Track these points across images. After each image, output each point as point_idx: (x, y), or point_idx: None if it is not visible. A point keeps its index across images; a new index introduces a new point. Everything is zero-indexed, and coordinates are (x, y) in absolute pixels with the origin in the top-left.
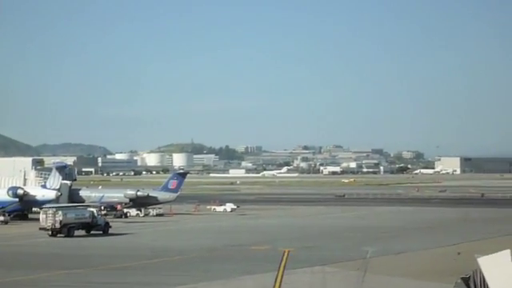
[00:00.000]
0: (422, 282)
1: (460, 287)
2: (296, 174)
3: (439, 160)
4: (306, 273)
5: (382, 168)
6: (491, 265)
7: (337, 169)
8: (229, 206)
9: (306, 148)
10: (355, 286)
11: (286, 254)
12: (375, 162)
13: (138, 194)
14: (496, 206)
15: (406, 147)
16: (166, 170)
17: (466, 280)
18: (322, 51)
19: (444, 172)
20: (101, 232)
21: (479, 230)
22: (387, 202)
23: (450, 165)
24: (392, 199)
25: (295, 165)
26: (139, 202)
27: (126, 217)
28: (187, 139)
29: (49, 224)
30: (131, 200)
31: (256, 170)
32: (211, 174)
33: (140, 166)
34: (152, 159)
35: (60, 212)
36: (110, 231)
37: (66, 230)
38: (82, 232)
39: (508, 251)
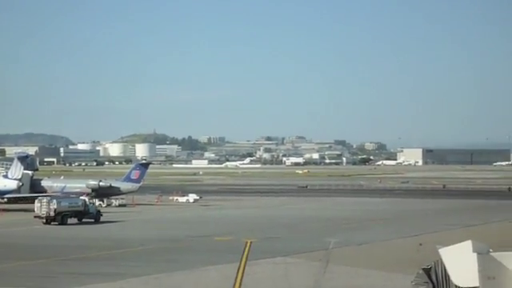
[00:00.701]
0: (384, 273)
1: (421, 278)
2: (259, 165)
3: (401, 151)
4: (269, 264)
5: (344, 159)
6: (453, 255)
7: (299, 160)
8: (191, 197)
9: (268, 139)
10: (317, 276)
11: (248, 244)
12: (338, 153)
13: (101, 184)
14: (457, 198)
15: (368, 138)
16: (128, 161)
17: (427, 271)
18: (285, 42)
19: (406, 163)
20: (92, 220)
21: (441, 221)
22: (350, 192)
23: (412, 156)
24: (354, 190)
25: (258, 156)
26: (101, 193)
27: None
28: (150, 129)
29: (43, 212)
30: (93, 190)
31: (219, 161)
32: (174, 165)
33: (102, 156)
34: (115, 149)
35: (54, 201)
36: (102, 219)
37: (59, 217)
38: (75, 220)
39: (469, 242)
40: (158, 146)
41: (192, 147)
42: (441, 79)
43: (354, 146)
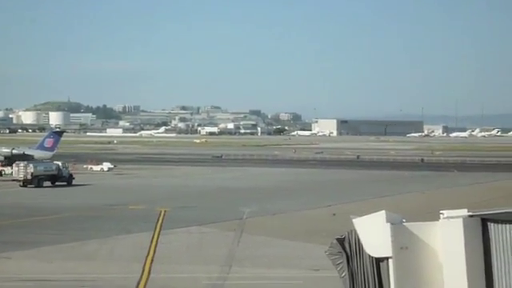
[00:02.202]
0: (298, 243)
1: (335, 248)
2: (174, 134)
3: (316, 122)
4: (183, 233)
5: (259, 129)
6: (366, 226)
7: (214, 129)
8: (106, 166)
9: (184, 108)
10: (232, 246)
11: (162, 213)
12: (253, 123)
13: (14, 152)
14: (371, 168)
15: (283, 109)
16: (42, 129)
17: (341, 241)
18: (199, 11)
19: (321, 134)
20: (65, 183)
21: (354, 191)
22: (264, 163)
23: (326, 127)
24: (269, 160)
25: (173, 125)
26: (14, 160)
27: (1, 175)
28: (64, 97)
29: (21, 176)
30: (6, 158)
31: (133, 130)
32: (88, 133)
33: (15, 124)
34: (28, 117)
35: (31, 165)
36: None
37: (36, 181)
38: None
39: (383, 212)
40: (72, 115)
41: (106, 116)
42: (356, 51)
43: (269, 117)
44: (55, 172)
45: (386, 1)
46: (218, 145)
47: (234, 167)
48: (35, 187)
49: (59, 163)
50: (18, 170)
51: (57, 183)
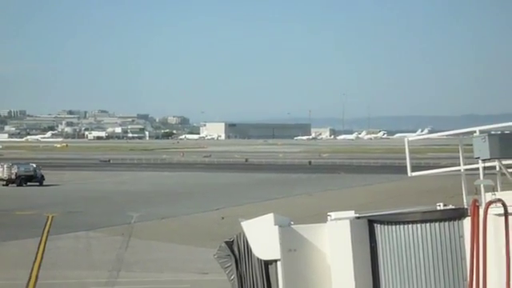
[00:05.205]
0: (187, 247)
1: (224, 251)
2: (61, 139)
3: (204, 125)
4: (70, 238)
5: (147, 133)
6: (254, 228)
7: (102, 134)
8: None
9: (70, 113)
10: (120, 250)
11: (50, 219)
12: (141, 127)
13: None
14: (259, 171)
15: (171, 112)
16: None
17: (229, 244)
18: (85, 14)
19: (209, 137)
20: (37, 184)
21: (243, 194)
22: (152, 167)
23: (215, 130)
24: (157, 164)
25: (60, 129)
26: None
27: None
28: None
29: (5, 176)
30: None
31: (20, 135)
32: None
33: None
34: None
35: (15, 166)
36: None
37: (18, 180)
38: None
39: (271, 215)
40: None
41: None
42: (242, 54)
43: (157, 120)
44: (32, 173)
45: (265, 2)
46: (106, 149)
47: (122, 171)
48: (17, 186)
49: (34, 165)
50: (3, 170)
51: (29, 183)
